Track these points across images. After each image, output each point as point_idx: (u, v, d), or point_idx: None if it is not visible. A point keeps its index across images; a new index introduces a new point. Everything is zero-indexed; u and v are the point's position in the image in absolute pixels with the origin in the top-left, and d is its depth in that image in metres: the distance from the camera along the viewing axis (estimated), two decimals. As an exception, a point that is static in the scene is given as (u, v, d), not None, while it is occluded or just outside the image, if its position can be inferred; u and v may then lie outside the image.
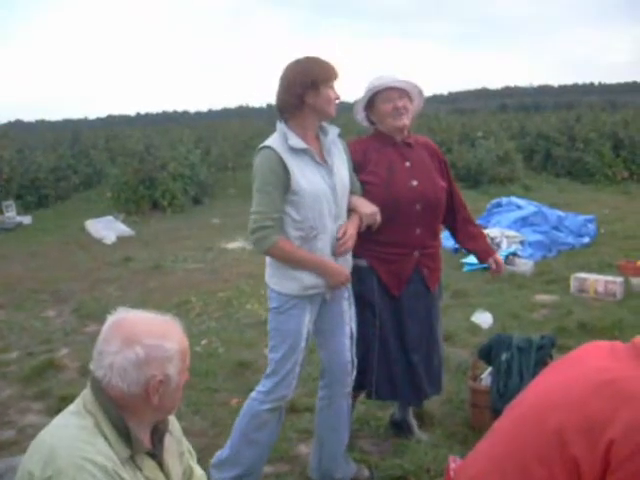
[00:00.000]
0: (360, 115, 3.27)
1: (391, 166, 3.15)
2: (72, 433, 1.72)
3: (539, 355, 3.42)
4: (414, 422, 3.62)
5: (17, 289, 7.30)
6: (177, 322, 1.87)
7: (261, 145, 2.80)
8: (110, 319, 1.81)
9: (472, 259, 7.01)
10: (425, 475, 3.15)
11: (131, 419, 1.77)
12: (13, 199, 12.57)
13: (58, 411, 4.07)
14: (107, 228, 10.37)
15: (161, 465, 1.88)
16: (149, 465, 1.83)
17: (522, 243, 7.39)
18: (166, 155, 12.91)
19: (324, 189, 2.79)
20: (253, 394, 2.98)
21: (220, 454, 3.06)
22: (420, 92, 3.20)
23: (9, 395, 4.47)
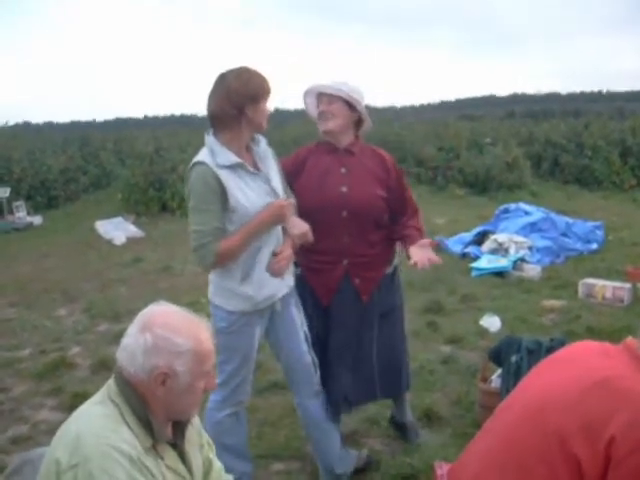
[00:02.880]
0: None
1: (326, 172, 3.10)
2: (97, 421, 1.75)
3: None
4: (415, 423, 3.63)
5: (28, 288, 7.38)
6: (206, 326, 1.86)
7: (194, 160, 2.70)
8: (150, 305, 1.87)
9: (480, 264, 7.06)
10: (433, 475, 3.18)
11: (150, 409, 1.79)
12: (23, 200, 12.68)
13: (71, 407, 4.18)
14: (117, 229, 10.45)
15: (182, 455, 1.91)
16: (170, 455, 1.86)
17: (530, 249, 7.41)
18: (176, 158, 12.98)
19: (262, 203, 2.73)
20: (209, 403, 2.98)
21: None
22: (356, 100, 3.08)
23: (22, 391, 4.53)
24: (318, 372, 3.07)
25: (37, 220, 12.14)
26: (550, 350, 3.48)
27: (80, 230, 11.21)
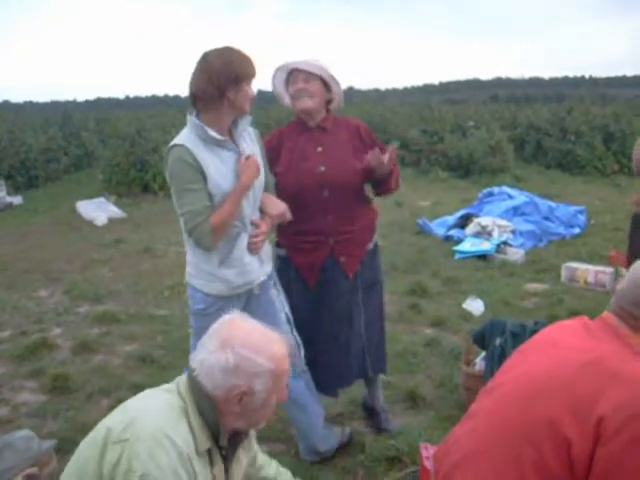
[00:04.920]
0: (286, 99, 3.18)
1: (302, 153, 3.09)
2: (161, 407, 1.77)
3: (532, 341, 3.46)
4: (384, 410, 3.58)
5: (9, 269, 7.30)
6: (283, 343, 1.86)
7: (172, 143, 2.66)
8: (226, 317, 1.87)
9: (464, 247, 7.07)
10: (419, 456, 3.19)
11: (220, 417, 1.80)
12: (3, 179, 12.51)
13: (52, 389, 4.14)
14: (98, 209, 10.34)
15: (227, 470, 1.91)
16: (219, 466, 1.87)
17: (513, 232, 7.44)
18: (158, 138, 12.86)
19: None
20: None
21: None
22: (331, 76, 3.07)
23: (3, 373, 4.47)
24: (302, 352, 3.06)
25: (17, 200, 11.97)
26: (534, 334, 3.48)
27: (61, 211, 11.08)
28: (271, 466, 2.26)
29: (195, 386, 1.79)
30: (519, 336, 3.45)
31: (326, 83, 3.08)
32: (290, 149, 3.12)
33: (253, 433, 2.11)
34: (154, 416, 1.72)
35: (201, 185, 2.62)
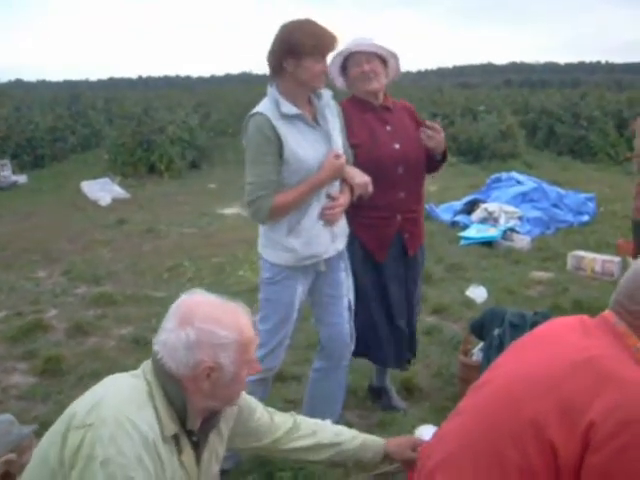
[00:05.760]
0: (339, 81, 3.22)
1: (372, 131, 3.10)
2: (125, 392, 1.71)
3: (532, 332, 3.35)
4: (392, 389, 3.62)
5: (8, 248, 7.24)
6: (245, 312, 1.80)
7: (252, 111, 2.67)
8: (181, 297, 1.80)
9: (469, 233, 6.95)
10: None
11: (188, 399, 1.74)
12: (9, 158, 12.43)
13: (43, 371, 4.08)
14: (103, 190, 10.27)
15: (198, 458, 1.84)
16: (188, 453, 1.80)
17: (520, 219, 7.29)
18: (165, 118, 12.76)
19: (319, 157, 2.69)
20: None
21: None
22: (393, 55, 3.13)
23: (-5, 354, 4.42)
24: (353, 345, 3.03)
25: (22, 179, 11.90)
26: (534, 324, 3.37)
27: (66, 190, 11.01)
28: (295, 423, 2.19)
29: (159, 368, 1.72)
30: (519, 327, 3.34)
31: (384, 60, 3.11)
32: (359, 124, 3.08)
33: (233, 412, 2.01)
34: (118, 401, 1.66)
35: (274, 158, 2.61)
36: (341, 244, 2.91)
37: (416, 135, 3.15)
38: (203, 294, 1.81)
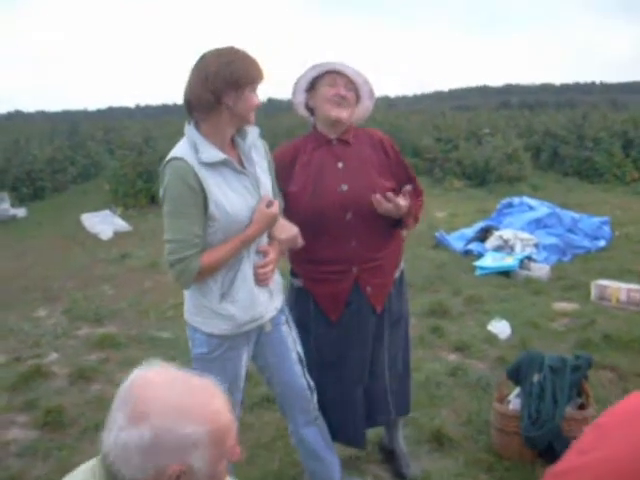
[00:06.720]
0: (299, 98, 2.80)
1: (320, 170, 2.70)
2: None
3: (574, 377, 3.09)
4: (404, 450, 3.23)
5: (7, 287, 6.99)
6: (213, 387, 1.42)
7: (170, 155, 2.28)
8: (130, 377, 1.37)
9: (485, 262, 6.69)
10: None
11: None
12: (8, 191, 12.22)
13: (44, 424, 3.81)
14: (103, 222, 10.03)
15: None
16: None
17: (536, 246, 7.05)
18: (165, 148, 12.55)
19: (249, 208, 2.34)
20: None
21: None
22: (371, 92, 2.76)
23: (-6, 405, 4.16)
24: (315, 396, 2.70)
25: (21, 212, 11.66)
26: (576, 369, 3.13)
27: (66, 223, 10.77)
28: None
29: (109, 476, 1.33)
30: (559, 371, 3.09)
31: (358, 95, 2.75)
32: (305, 165, 2.72)
33: None
34: None
35: (198, 211, 2.24)
36: (279, 300, 2.57)
37: (376, 173, 2.74)
38: (160, 370, 1.40)
